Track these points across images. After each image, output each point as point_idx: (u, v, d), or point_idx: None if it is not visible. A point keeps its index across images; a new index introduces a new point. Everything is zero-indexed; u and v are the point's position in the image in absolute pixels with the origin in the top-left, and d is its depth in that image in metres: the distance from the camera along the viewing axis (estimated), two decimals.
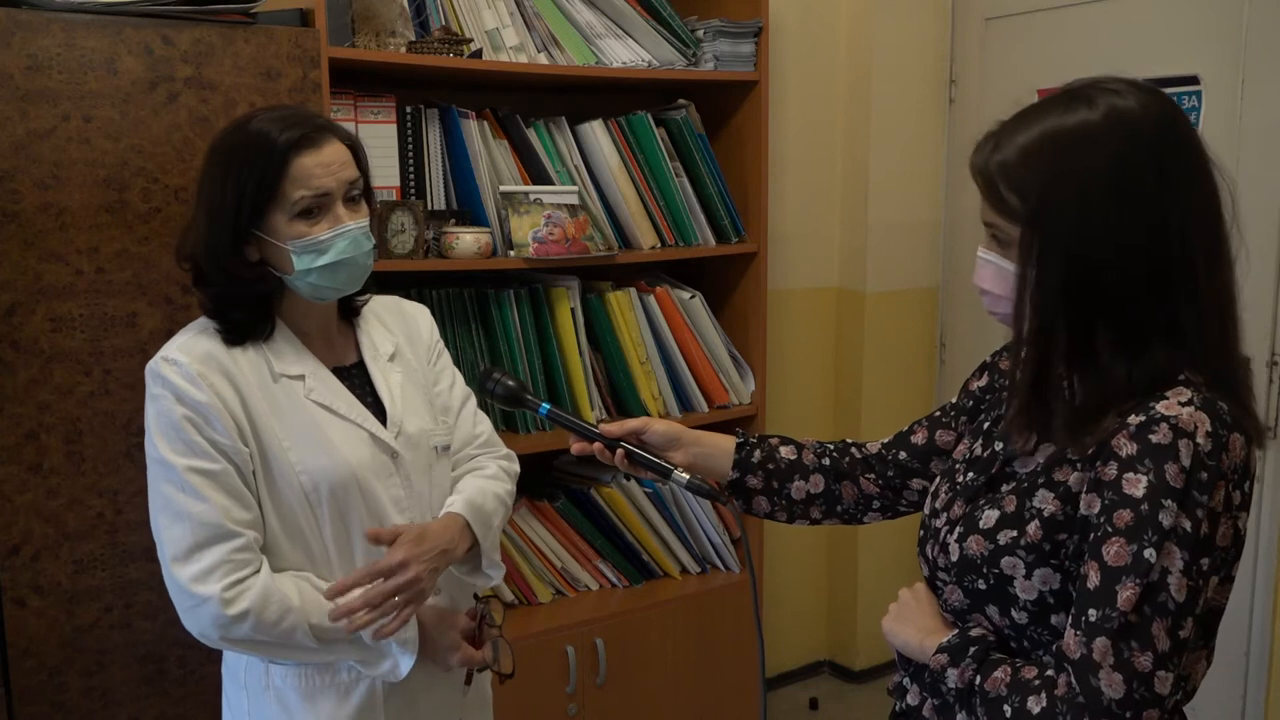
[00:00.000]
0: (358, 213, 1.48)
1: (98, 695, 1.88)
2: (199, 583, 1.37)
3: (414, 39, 2.37)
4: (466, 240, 2.38)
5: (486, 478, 1.63)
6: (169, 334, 1.89)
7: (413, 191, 2.41)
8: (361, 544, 1.50)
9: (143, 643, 1.91)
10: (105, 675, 1.89)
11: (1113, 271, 1.03)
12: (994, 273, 1.12)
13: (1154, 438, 1.01)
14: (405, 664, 1.48)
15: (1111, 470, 1.03)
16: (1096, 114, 1.04)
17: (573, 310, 2.59)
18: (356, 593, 1.41)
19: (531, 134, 2.55)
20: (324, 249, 1.43)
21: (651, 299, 2.72)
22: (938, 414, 1.40)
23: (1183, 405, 1.02)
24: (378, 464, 1.50)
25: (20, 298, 1.78)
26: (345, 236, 1.44)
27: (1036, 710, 1.02)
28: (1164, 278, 1.04)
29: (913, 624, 1.20)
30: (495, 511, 1.59)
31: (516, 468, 1.72)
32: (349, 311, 1.60)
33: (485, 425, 1.71)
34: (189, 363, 1.41)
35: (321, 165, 1.41)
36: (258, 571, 1.40)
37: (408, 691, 1.53)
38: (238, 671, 1.54)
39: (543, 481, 2.74)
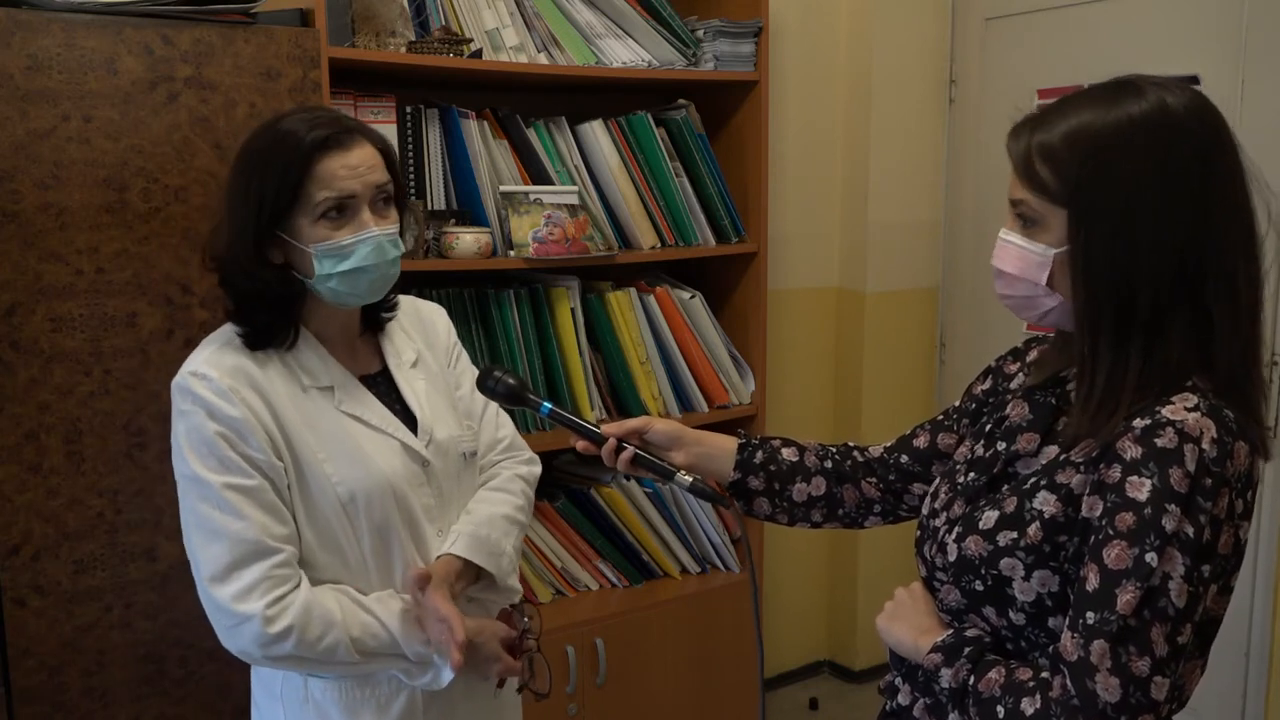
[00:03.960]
0: (386, 218, 1.44)
1: (98, 695, 1.88)
2: (240, 601, 1.34)
3: (414, 39, 2.37)
4: (466, 240, 2.38)
5: (497, 499, 1.60)
6: (169, 334, 1.90)
7: (413, 191, 2.41)
8: (399, 553, 1.48)
9: (143, 643, 1.91)
10: (105, 675, 1.89)
11: (1148, 262, 1.03)
12: (1014, 254, 1.12)
13: (1159, 441, 1.01)
14: (446, 675, 1.45)
15: (1115, 473, 1.02)
16: (1145, 105, 1.04)
17: (573, 310, 2.59)
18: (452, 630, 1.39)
19: (531, 134, 2.55)
20: (346, 254, 1.40)
21: (651, 299, 2.72)
22: (940, 417, 1.40)
23: (1189, 410, 1.02)
24: (410, 473, 1.49)
25: (20, 298, 1.78)
26: (368, 243, 1.40)
27: (1030, 712, 1.02)
28: (1199, 275, 1.04)
29: (907, 622, 1.19)
30: (507, 534, 1.57)
31: (538, 470, 1.71)
32: (373, 322, 1.57)
33: (507, 429, 1.69)
34: (219, 377, 1.38)
35: (347, 167, 1.38)
36: (298, 587, 1.38)
37: (447, 701, 1.51)
38: (273, 684, 1.51)
39: (543, 481, 2.72)
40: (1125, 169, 1.03)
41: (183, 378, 1.40)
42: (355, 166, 1.39)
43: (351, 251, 1.40)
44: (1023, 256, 1.11)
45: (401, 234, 1.48)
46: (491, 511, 1.57)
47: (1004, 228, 1.14)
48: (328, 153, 1.38)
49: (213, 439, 1.36)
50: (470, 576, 1.52)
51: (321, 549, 1.43)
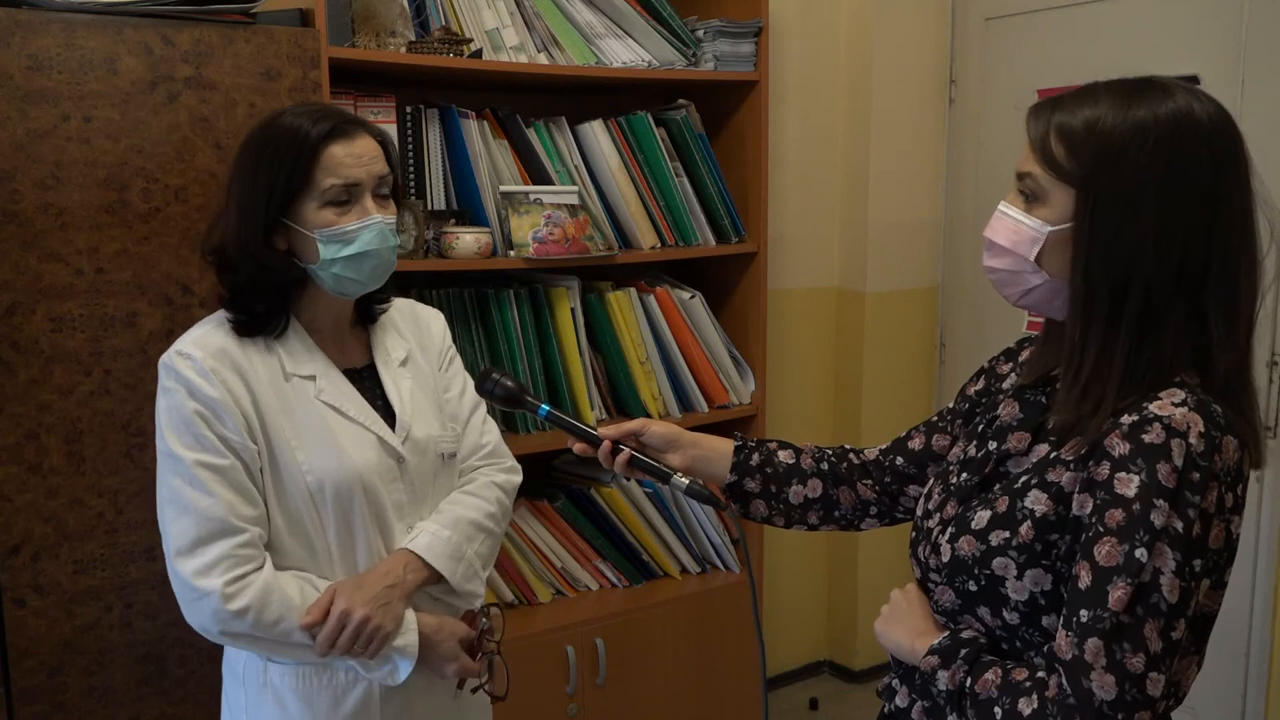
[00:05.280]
0: (386, 209, 1.50)
1: (98, 695, 1.89)
2: (201, 577, 1.38)
3: (414, 39, 2.37)
4: (466, 240, 2.38)
5: (468, 503, 1.60)
6: (169, 334, 1.90)
7: (413, 191, 2.41)
8: (364, 545, 1.50)
9: (143, 643, 1.92)
10: (105, 675, 1.89)
11: (1148, 254, 1.04)
12: (1008, 226, 1.13)
13: (1146, 437, 1.01)
14: (404, 668, 1.48)
15: (1104, 470, 1.03)
16: (1171, 106, 1.05)
17: (573, 310, 2.59)
18: (322, 637, 1.42)
19: (531, 134, 2.55)
20: (350, 239, 1.45)
21: (651, 299, 2.72)
22: (935, 419, 1.40)
23: (1176, 406, 1.02)
24: (383, 468, 1.51)
25: (20, 298, 1.78)
26: (371, 229, 1.46)
27: (1027, 712, 1.02)
28: (1200, 275, 1.05)
29: (904, 625, 1.20)
30: (470, 539, 1.57)
31: (517, 479, 1.71)
32: (366, 317, 1.60)
33: (492, 435, 1.70)
34: (203, 357, 1.42)
35: (353, 156, 1.45)
36: (260, 568, 1.41)
37: (404, 695, 1.53)
38: (236, 668, 1.55)
39: (543, 481, 2.74)
40: (1139, 161, 1.04)
41: (168, 356, 1.44)
42: (360, 156, 1.46)
43: (356, 236, 1.45)
44: (1017, 229, 1.12)
45: (399, 225, 1.51)
46: (459, 514, 1.58)
47: (1004, 201, 1.15)
48: (334, 141, 1.44)
49: (190, 417, 1.40)
50: (430, 575, 1.52)
51: (290, 535, 1.46)
